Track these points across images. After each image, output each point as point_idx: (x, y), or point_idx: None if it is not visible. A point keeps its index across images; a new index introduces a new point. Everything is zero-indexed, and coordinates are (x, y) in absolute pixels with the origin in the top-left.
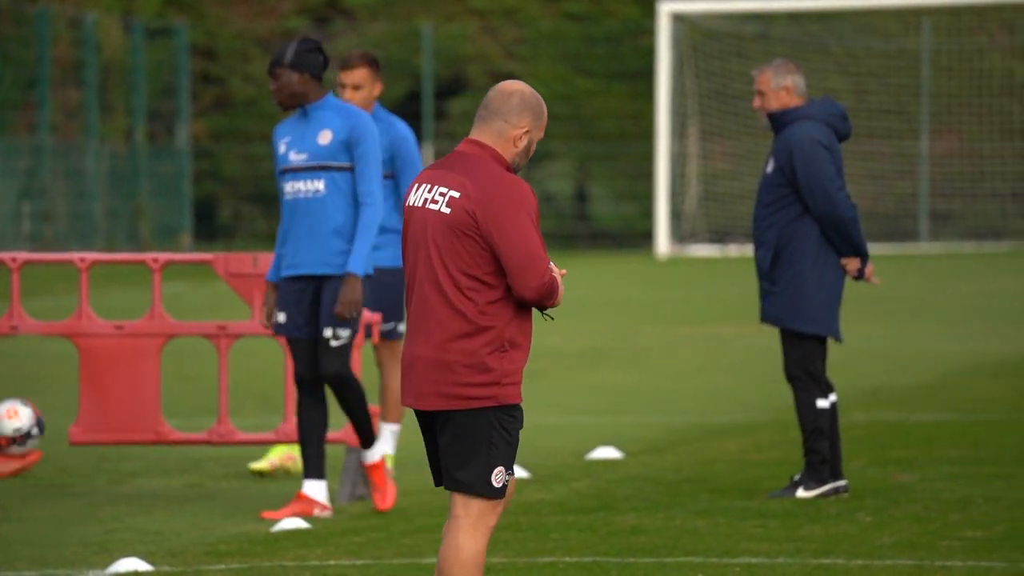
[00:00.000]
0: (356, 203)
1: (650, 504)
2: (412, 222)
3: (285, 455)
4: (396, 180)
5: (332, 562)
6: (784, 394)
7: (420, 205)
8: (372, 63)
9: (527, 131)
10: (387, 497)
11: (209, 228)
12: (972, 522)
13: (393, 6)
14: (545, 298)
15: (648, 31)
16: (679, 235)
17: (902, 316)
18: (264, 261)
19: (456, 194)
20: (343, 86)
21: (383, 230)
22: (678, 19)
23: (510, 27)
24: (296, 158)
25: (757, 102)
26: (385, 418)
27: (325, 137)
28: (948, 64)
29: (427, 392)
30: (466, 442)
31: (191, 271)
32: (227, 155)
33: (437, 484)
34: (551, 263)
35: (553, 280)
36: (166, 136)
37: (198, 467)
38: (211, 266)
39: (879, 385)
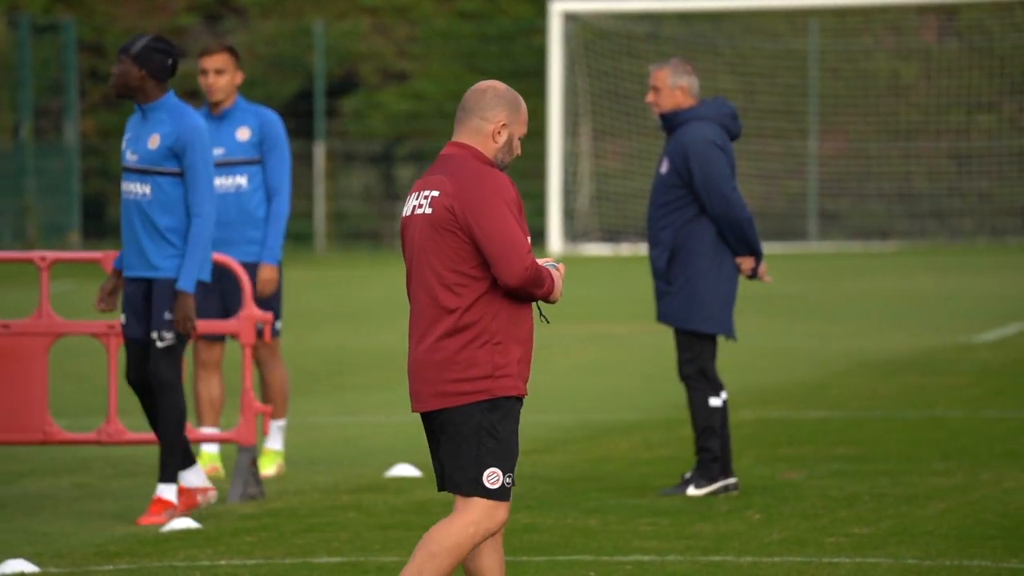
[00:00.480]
0: (187, 208)
1: (542, 503)
2: (405, 233)
3: (209, 466)
4: (263, 164)
5: (223, 562)
6: (675, 392)
7: (410, 213)
8: (231, 51)
9: (504, 124)
10: (147, 518)
11: (98, 226)
12: (859, 519)
13: (285, 4)
14: (530, 285)
15: (540, 30)
16: (572, 234)
17: (791, 315)
18: None
19: (436, 193)
20: (205, 72)
21: (261, 220)
22: (570, 18)
23: (402, 25)
24: (131, 158)
25: (651, 97)
26: (272, 415)
27: (154, 141)
28: (835, 65)
29: (425, 393)
30: (458, 441)
31: (79, 270)
32: (116, 153)
33: (440, 489)
34: (550, 260)
35: (537, 267)
36: (54, 133)
37: (87, 467)
38: (100, 264)
39: (768, 383)
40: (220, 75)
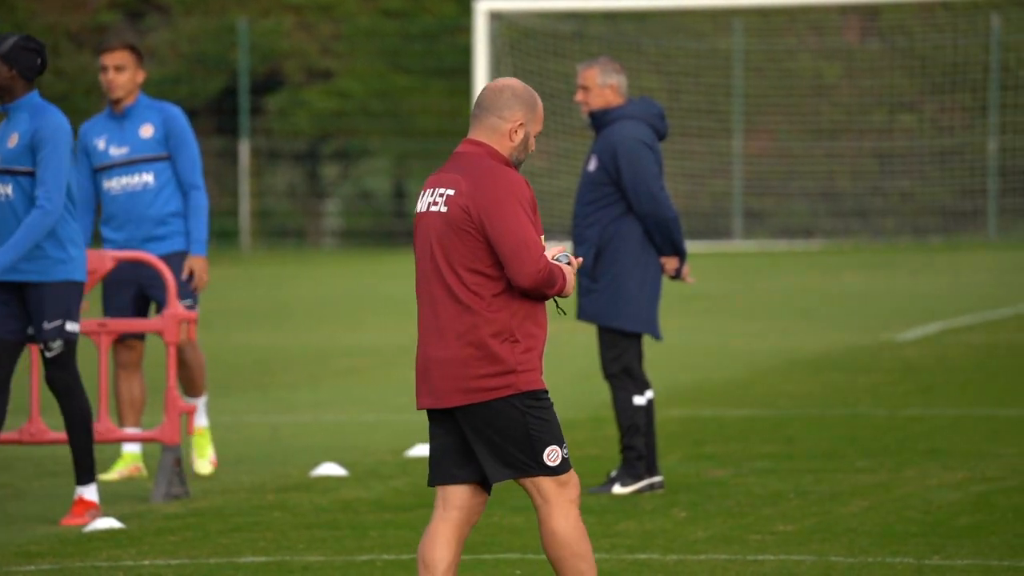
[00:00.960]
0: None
1: None
2: (418, 228)
3: (132, 466)
4: (173, 161)
5: (146, 562)
6: (600, 391)
7: (424, 210)
8: (133, 49)
9: (521, 124)
10: (70, 519)
11: None
12: (783, 516)
13: (208, 1)
14: (543, 286)
15: (465, 28)
16: None
17: (716, 313)
18: None
19: (451, 192)
20: (105, 68)
21: (171, 216)
22: (495, 17)
23: (326, 23)
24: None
25: (580, 96)
26: (194, 393)
27: (13, 140)
28: (759, 64)
29: (446, 390)
30: (501, 432)
31: None
32: None
33: (432, 484)
34: (563, 249)
35: (549, 267)
36: None
37: (9, 467)
38: None
39: (693, 381)
40: (120, 72)
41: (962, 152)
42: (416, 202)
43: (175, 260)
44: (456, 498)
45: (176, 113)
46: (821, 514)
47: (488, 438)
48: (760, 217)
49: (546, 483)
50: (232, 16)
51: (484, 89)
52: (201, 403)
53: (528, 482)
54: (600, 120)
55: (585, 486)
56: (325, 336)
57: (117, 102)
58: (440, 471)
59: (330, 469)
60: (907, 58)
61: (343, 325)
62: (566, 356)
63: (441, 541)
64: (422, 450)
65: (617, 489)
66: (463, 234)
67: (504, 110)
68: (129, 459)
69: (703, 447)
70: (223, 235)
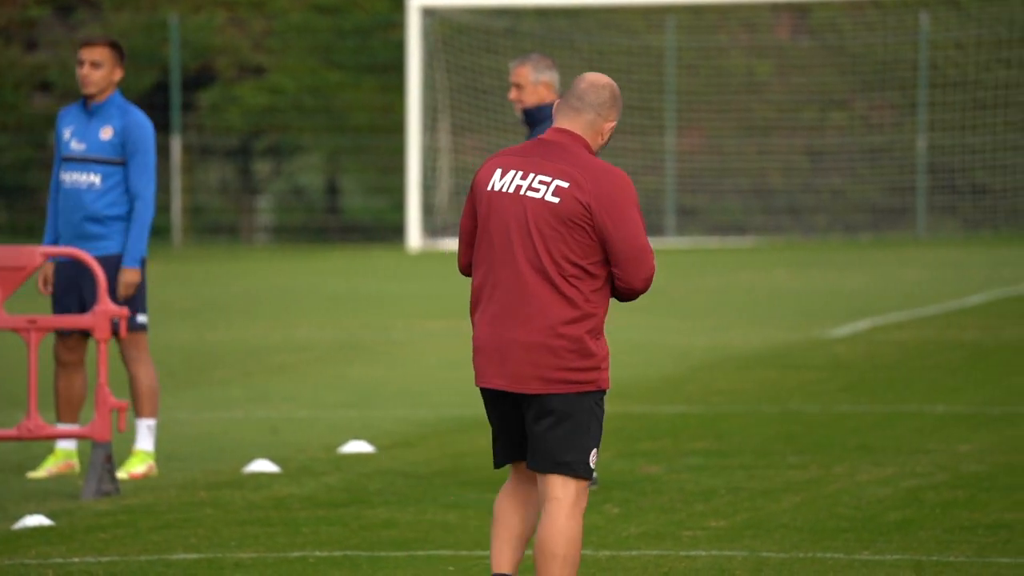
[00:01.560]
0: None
1: (401, 498)
2: (502, 207)
3: (63, 463)
4: (126, 167)
5: (76, 559)
6: None
7: (512, 192)
8: (115, 46)
9: (613, 125)
10: None
11: None
12: (715, 512)
13: None
14: (648, 287)
15: (398, 24)
16: (431, 229)
17: (649, 310)
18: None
19: (564, 184)
20: (81, 62)
21: (111, 219)
22: (428, 13)
23: (258, 19)
24: None
25: (514, 94)
26: (141, 413)
27: None
28: (691, 62)
29: (527, 375)
30: (570, 425)
31: None
32: None
33: (498, 465)
34: None
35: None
36: None
37: None
38: None
39: (626, 378)
40: (96, 68)
41: (892, 150)
42: (350, 198)
43: (110, 262)
44: (525, 469)
45: (139, 122)
46: (753, 510)
47: (551, 428)
48: (693, 214)
49: (574, 483)
50: (163, 11)
51: (583, 82)
52: (146, 426)
53: (558, 477)
54: (534, 117)
55: None
56: (258, 333)
57: (89, 97)
58: (507, 451)
59: (263, 466)
60: (838, 56)
61: (276, 322)
62: None
63: (519, 502)
64: (355, 447)
65: None
66: (576, 229)
67: (604, 109)
68: (61, 455)
69: (636, 443)
70: (155, 232)
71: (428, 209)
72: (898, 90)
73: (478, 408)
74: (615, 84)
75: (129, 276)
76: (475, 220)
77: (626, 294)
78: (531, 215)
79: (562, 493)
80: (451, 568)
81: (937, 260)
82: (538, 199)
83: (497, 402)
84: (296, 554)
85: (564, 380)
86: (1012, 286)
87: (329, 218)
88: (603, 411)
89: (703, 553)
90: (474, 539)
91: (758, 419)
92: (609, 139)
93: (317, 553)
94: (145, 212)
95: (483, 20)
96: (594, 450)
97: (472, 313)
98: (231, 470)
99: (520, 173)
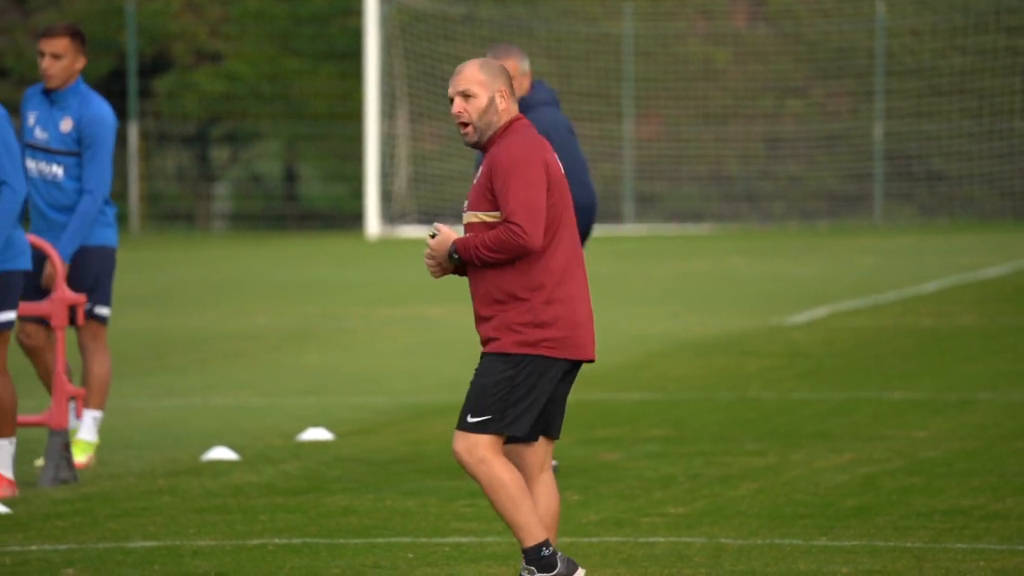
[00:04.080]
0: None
1: (360, 485)
2: (565, 191)
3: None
4: (81, 158)
5: (34, 547)
6: None
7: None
8: (76, 35)
9: None
10: None
11: None
12: (674, 499)
13: None
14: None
15: (356, 11)
16: (389, 216)
17: (607, 297)
18: None
19: None
20: (42, 54)
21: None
22: (385, 0)
23: (215, 5)
24: None
25: None
26: (88, 404)
27: None
28: (649, 49)
29: (592, 344)
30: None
31: None
32: None
33: (525, 441)
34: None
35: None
36: None
37: None
38: None
39: (585, 365)
40: (57, 60)
41: (848, 137)
42: (308, 186)
43: (77, 253)
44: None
45: (97, 115)
46: (711, 496)
47: (566, 396)
48: (651, 201)
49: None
50: None
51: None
52: (92, 416)
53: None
54: (525, 104)
55: None
56: (215, 320)
57: (51, 88)
58: (536, 427)
59: (221, 453)
60: (794, 43)
61: (233, 309)
62: (456, 339)
63: (526, 478)
64: (315, 434)
65: None
66: None
67: None
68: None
69: (594, 431)
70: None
71: (386, 196)
72: (855, 78)
73: (436, 395)
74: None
75: (57, 269)
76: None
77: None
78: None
79: (548, 458)
80: (410, 555)
81: (893, 247)
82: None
83: (566, 375)
84: (255, 542)
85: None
86: (968, 272)
87: (287, 205)
88: None
89: (662, 539)
90: (433, 526)
91: (715, 406)
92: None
93: (276, 541)
94: (90, 207)
95: (441, 7)
96: None
97: (555, 287)
98: (189, 458)
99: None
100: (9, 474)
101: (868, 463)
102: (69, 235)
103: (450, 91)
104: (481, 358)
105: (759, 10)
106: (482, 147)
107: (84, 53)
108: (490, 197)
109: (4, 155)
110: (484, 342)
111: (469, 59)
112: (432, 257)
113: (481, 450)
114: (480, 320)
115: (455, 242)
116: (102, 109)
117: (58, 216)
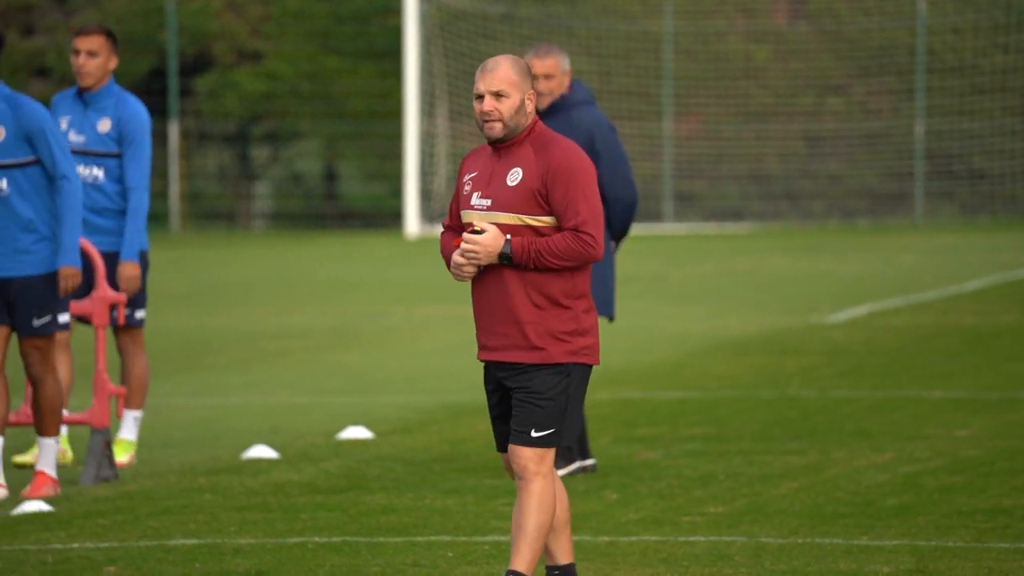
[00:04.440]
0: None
1: (400, 484)
2: None
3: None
4: (121, 159)
5: (76, 545)
6: None
7: None
8: (109, 34)
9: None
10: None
11: None
12: (714, 498)
13: None
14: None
15: (395, 10)
16: (428, 215)
17: (646, 296)
18: None
19: None
20: (77, 52)
21: (117, 212)
22: None
23: (256, 4)
24: None
25: (544, 85)
26: (129, 404)
27: None
28: (689, 47)
29: None
30: None
31: None
32: None
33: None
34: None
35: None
36: None
37: None
38: None
39: (625, 364)
40: (92, 57)
41: (889, 135)
42: (347, 185)
43: (113, 257)
44: None
45: (135, 112)
46: (751, 495)
47: None
48: (690, 200)
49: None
50: None
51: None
52: (132, 416)
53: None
54: (559, 106)
55: None
56: (255, 319)
57: (86, 87)
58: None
59: (261, 451)
60: (835, 41)
61: (273, 308)
62: None
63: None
64: (355, 432)
65: None
66: None
67: None
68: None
69: (634, 429)
70: (153, 218)
71: (426, 195)
72: (896, 75)
73: (477, 394)
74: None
75: (129, 270)
76: None
77: None
78: None
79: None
80: (450, 554)
81: (935, 246)
82: None
83: None
84: (295, 540)
85: None
86: (1010, 271)
87: (327, 204)
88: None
89: (702, 539)
90: (473, 524)
91: (756, 405)
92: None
93: (316, 539)
94: (141, 204)
95: (481, 5)
96: None
97: (590, 295)
98: (230, 456)
99: None
100: (52, 472)
101: (909, 462)
102: (130, 234)
103: (481, 87)
104: (515, 367)
105: (800, 8)
106: (500, 146)
107: (117, 54)
108: (540, 201)
109: (58, 151)
110: (505, 348)
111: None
112: (476, 255)
113: (548, 463)
114: (505, 322)
115: (510, 242)
116: (138, 107)
117: (99, 220)
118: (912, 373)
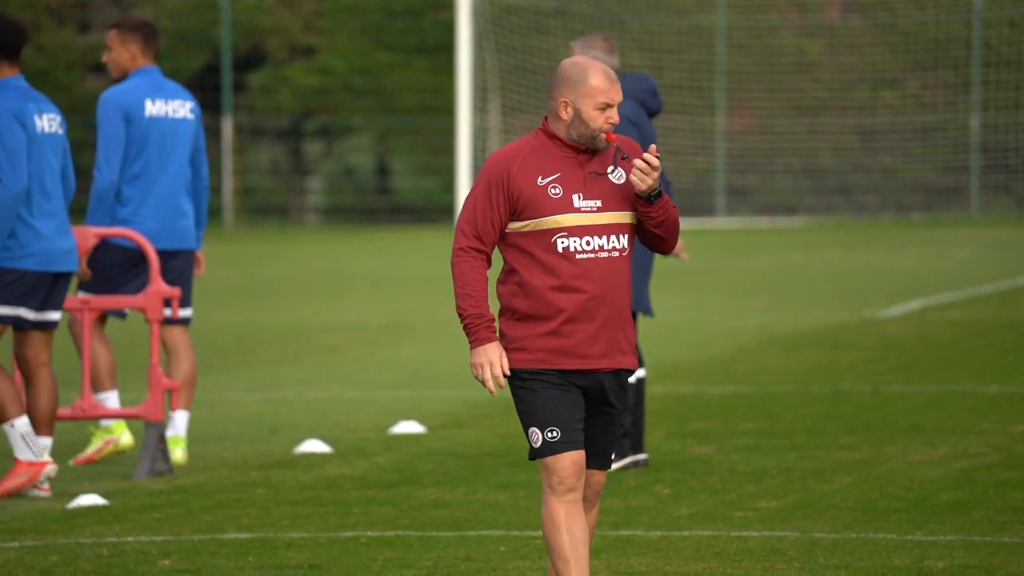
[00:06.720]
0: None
1: (452, 478)
2: None
3: (105, 438)
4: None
5: (130, 539)
6: None
7: None
8: (117, 26)
9: (565, 101)
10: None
11: None
12: (767, 493)
13: None
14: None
15: (448, 5)
16: None
17: (699, 290)
18: None
19: None
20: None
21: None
22: None
23: (308, 0)
24: None
25: None
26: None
27: None
28: (742, 41)
29: None
30: None
31: None
32: None
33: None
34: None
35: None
36: None
37: None
38: None
39: (676, 358)
40: (107, 52)
41: (944, 129)
42: (400, 179)
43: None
44: None
45: (100, 102)
46: (804, 490)
47: None
48: (743, 194)
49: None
50: None
51: None
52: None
53: None
54: None
55: None
56: (308, 313)
57: (114, 80)
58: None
59: (314, 446)
60: (889, 35)
61: (326, 302)
62: None
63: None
64: (407, 427)
65: None
66: None
67: (552, 90)
68: (102, 432)
69: (686, 424)
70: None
71: None
72: (951, 69)
73: None
74: (569, 61)
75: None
76: None
77: None
78: None
79: None
80: (502, 548)
81: (990, 239)
82: None
83: None
84: (348, 534)
85: None
86: None
87: (379, 199)
88: (524, 391)
89: (754, 534)
90: (524, 519)
91: (808, 399)
92: (581, 115)
93: (368, 533)
94: (98, 182)
95: (533, 1)
96: (530, 428)
97: None
98: (283, 450)
99: None
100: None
101: (964, 457)
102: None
103: (614, 97)
104: (617, 377)
105: (853, 1)
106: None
107: (135, 42)
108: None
109: (2, 156)
110: (611, 354)
111: (594, 61)
112: (653, 168)
113: None
114: (613, 327)
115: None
116: (103, 95)
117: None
118: (967, 368)
